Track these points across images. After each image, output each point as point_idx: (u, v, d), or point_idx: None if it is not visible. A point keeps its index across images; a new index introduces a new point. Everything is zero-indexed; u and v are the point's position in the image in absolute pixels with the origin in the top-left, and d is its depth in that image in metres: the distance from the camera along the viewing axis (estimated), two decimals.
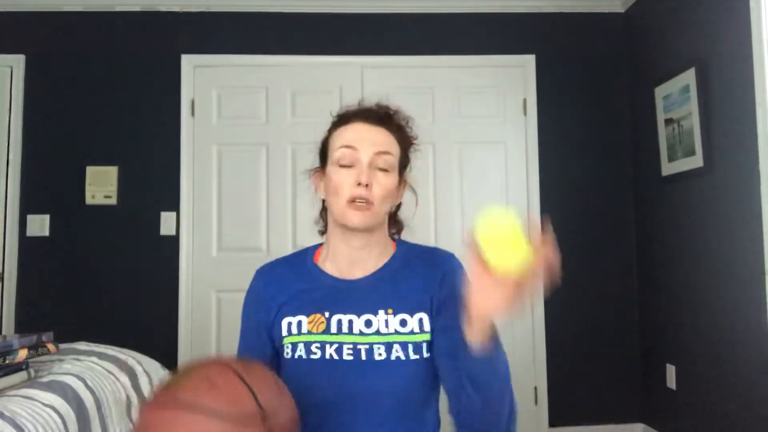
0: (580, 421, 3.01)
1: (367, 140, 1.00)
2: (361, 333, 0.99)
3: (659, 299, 2.89)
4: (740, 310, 2.27)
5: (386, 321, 0.99)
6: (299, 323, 1.02)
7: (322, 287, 1.04)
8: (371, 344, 0.97)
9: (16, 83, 2.99)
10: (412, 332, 0.99)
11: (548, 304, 3.04)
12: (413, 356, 0.97)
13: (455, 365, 0.91)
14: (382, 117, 1.04)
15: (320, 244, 1.12)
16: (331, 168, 1.02)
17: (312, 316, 1.01)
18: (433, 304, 1.01)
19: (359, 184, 0.97)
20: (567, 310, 3.04)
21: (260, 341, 1.06)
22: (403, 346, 0.98)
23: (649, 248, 2.99)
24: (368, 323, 0.99)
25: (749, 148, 2.19)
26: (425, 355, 0.98)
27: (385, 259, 1.06)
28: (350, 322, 1.00)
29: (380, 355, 0.97)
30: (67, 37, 3.05)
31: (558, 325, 3.04)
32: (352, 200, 0.98)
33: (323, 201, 1.09)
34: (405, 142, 1.07)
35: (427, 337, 0.99)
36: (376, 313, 1.00)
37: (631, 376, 3.06)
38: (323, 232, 1.12)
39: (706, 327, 2.49)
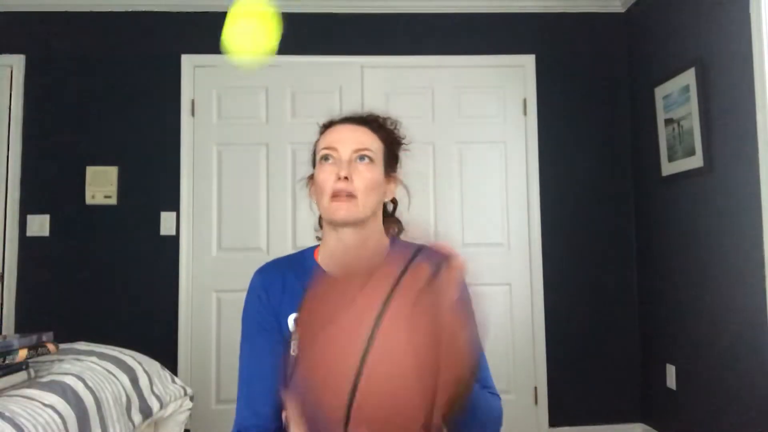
0: (580, 421, 3.01)
1: (346, 139, 1.04)
2: None
3: (659, 299, 2.89)
4: (740, 310, 2.26)
5: None
6: None
7: None
8: None
9: (16, 83, 2.99)
10: None
11: (548, 303, 3.04)
12: None
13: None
14: (363, 117, 1.09)
15: (318, 245, 1.14)
16: (316, 170, 1.06)
17: None
18: None
19: (339, 178, 1.00)
20: (567, 310, 3.05)
21: (268, 340, 1.04)
22: None
23: (649, 248, 2.99)
24: None
25: (749, 148, 2.19)
26: None
27: (380, 259, 1.06)
28: None
29: None
30: (67, 37, 3.05)
31: (558, 325, 3.04)
32: (335, 195, 1.00)
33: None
34: (389, 139, 1.09)
35: None
36: None
37: (631, 376, 3.06)
38: (320, 238, 1.14)
39: (706, 327, 2.49)
